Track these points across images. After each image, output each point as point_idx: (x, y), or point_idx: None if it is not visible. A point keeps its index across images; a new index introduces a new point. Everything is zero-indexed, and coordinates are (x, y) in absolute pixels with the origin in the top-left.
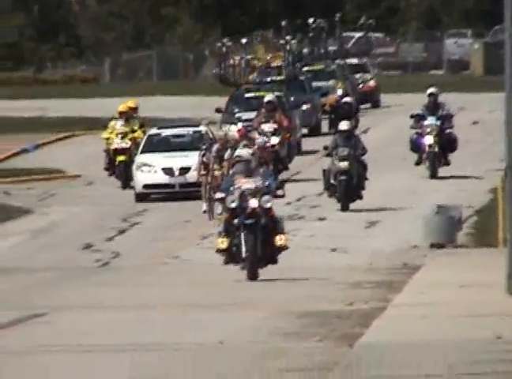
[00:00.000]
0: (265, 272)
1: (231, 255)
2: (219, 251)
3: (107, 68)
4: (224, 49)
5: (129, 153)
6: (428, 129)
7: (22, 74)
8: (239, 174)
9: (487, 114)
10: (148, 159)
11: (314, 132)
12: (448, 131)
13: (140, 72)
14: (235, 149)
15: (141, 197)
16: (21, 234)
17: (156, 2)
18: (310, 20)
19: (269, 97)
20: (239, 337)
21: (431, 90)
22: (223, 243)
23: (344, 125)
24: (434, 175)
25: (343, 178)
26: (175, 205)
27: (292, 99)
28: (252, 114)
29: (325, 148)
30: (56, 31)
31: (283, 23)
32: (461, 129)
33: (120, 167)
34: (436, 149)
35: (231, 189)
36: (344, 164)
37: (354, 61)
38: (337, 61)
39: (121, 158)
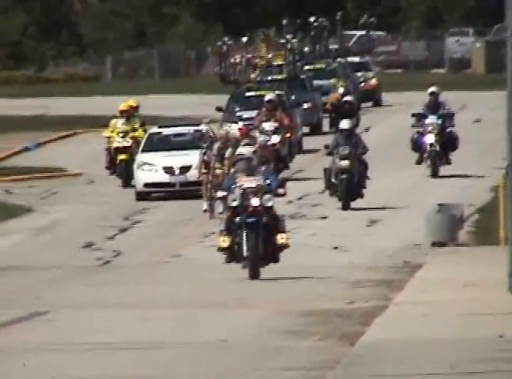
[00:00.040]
0: (266, 271)
1: (232, 254)
2: (220, 250)
3: (109, 66)
4: (224, 48)
5: (130, 152)
6: (429, 128)
7: (24, 73)
8: (240, 172)
9: (489, 113)
10: (149, 158)
11: (315, 131)
12: (449, 130)
13: (141, 70)
14: (236, 148)
15: (141, 196)
16: (23, 232)
17: (158, 1)
18: (312, 19)
19: (269, 96)
20: (241, 335)
21: (431, 89)
22: (224, 242)
23: (345, 124)
24: (435, 174)
25: (344, 176)
26: (177, 204)
27: (293, 97)
28: (253, 113)
29: (326, 146)
30: (58, 29)
31: (284, 21)
32: (463, 128)
33: (121, 166)
34: (437, 148)
35: (233, 187)
36: (345, 163)
37: (356, 59)
38: (338, 60)
39: (122, 157)
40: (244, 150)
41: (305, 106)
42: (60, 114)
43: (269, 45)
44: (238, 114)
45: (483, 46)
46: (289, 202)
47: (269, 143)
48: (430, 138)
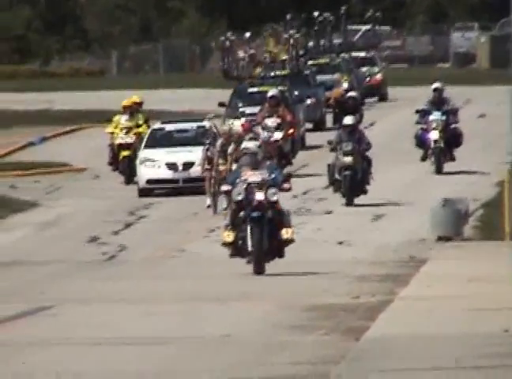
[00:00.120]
0: (271, 266)
1: (237, 248)
2: (225, 244)
3: (114, 61)
4: (227, 43)
5: (134, 148)
6: (433, 125)
7: (29, 67)
8: (245, 166)
9: (494, 107)
10: (152, 154)
11: (319, 126)
12: (453, 126)
13: (146, 65)
14: (239, 144)
15: (144, 193)
16: (28, 227)
17: None
18: (316, 14)
19: (272, 92)
20: (245, 330)
21: (435, 85)
22: (229, 236)
23: (348, 120)
24: (439, 171)
25: (347, 173)
26: (180, 199)
27: (296, 93)
28: (255, 109)
29: (330, 142)
30: (63, 23)
31: (288, 16)
32: (468, 123)
33: (124, 163)
34: (441, 144)
35: (237, 181)
36: (349, 159)
37: (361, 54)
38: (342, 55)
39: (125, 153)
40: (249, 144)
41: (308, 101)
42: (65, 108)
43: (278, 40)
44: (240, 109)
45: (488, 41)
46: (294, 197)
47: (272, 139)
48: (434, 135)
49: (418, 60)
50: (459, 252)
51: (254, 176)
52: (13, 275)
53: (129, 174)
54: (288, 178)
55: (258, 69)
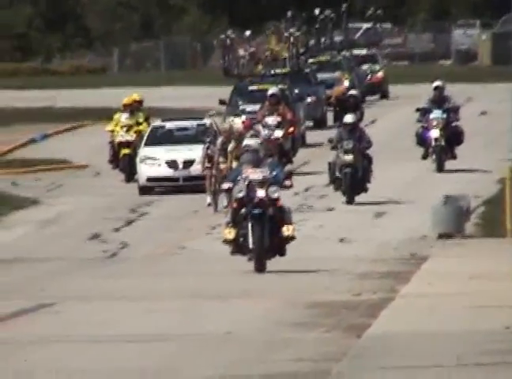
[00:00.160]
0: (272, 263)
1: (238, 245)
2: (226, 241)
3: (116, 58)
4: (228, 41)
5: (134, 146)
6: (434, 123)
7: (30, 65)
8: (246, 163)
9: (495, 105)
10: (152, 152)
11: (319, 124)
12: (454, 124)
13: (148, 62)
14: (240, 141)
15: (144, 191)
16: (29, 224)
17: None
18: (317, 12)
19: (272, 90)
20: (247, 327)
21: (436, 83)
22: (230, 233)
23: (349, 118)
24: (440, 169)
25: (348, 171)
26: (181, 197)
27: (297, 91)
28: (256, 107)
29: (330, 140)
30: (64, 21)
31: (288, 14)
32: (469, 120)
33: (124, 161)
34: (442, 143)
35: (238, 178)
36: (349, 157)
37: (363, 52)
38: (343, 53)
39: (125, 151)
40: (251, 141)
41: (309, 99)
42: (67, 105)
43: (280, 38)
44: (241, 107)
45: (490, 38)
46: (296, 194)
47: (273, 137)
48: (435, 133)
49: (419, 57)
50: (460, 249)
51: (255, 173)
52: (14, 272)
53: (130, 172)
54: (289, 175)
55: (259, 67)
